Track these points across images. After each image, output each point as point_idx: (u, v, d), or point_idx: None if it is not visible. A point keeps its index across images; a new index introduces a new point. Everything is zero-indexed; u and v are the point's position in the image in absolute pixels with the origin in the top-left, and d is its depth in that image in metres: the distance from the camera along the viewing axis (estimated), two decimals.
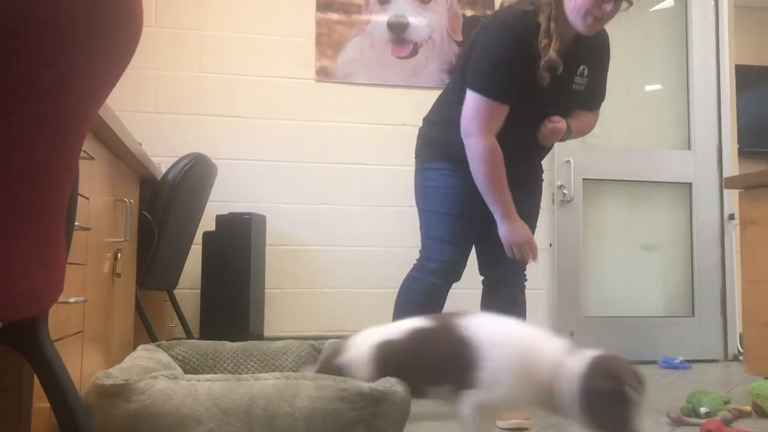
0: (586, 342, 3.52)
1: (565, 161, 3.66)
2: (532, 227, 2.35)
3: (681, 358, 3.55)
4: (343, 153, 3.56)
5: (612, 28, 2.19)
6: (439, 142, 2.28)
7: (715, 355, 3.76)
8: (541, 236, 3.71)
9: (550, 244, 3.69)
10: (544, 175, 3.74)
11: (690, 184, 3.87)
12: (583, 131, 2.35)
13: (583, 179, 3.73)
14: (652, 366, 3.54)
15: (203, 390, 1.16)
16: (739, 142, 4.37)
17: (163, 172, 2.46)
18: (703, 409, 2.25)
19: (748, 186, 2.54)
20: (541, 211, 3.65)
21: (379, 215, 3.56)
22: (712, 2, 3.99)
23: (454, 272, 2.26)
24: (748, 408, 2.33)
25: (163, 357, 1.75)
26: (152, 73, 3.38)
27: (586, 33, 2.06)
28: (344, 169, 3.56)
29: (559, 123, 2.16)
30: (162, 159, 2.97)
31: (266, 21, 3.54)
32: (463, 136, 2.13)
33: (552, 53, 2.04)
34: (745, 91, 4.65)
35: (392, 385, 1.38)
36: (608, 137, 3.87)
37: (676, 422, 2.17)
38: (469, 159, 2.13)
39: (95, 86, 0.96)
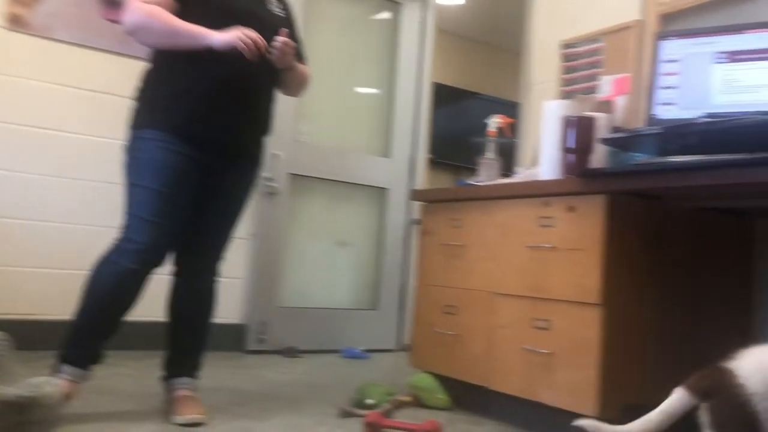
0: (278, 330, 3.67)
1: (274, 154, 3.72)
2: (238, 214, 2.30)
3: (362, 348, 3.85)
4: (32, 115, 3.18)
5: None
6: (155, 107, 2.11)
7: (392, 346, 4.15)
8: (244, 226, 3.73)
9: (253, 234, 3.72)
10: None
11: (385, 190, 4.19)
12: (302, 76, 2.36)
13: (290, 174, 3.83)
14: (334, 355, 3.78)
15: None
16: (433, 153, 4.87)
17: None
18: (369, 401, 2.46)
19: (429, 199, 2.83)
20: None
21: (69, 189, 3.25)
22: (418, 22, 4.36)
23: (155, 257, 2.07)
24: (409, 399, 2.61)
25: None
26: None
27: None
28: (32, 133, 3.18)
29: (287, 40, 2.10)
30: None
31: None
32: (123, 24, 2.09)
33: None
34: (441, 108, 5.21)
35: (41, 389, 1.26)
36: (318, 136, 4.02)
37: (344, 414, 2.34)
38: (133, 30, 2.07)
39: None
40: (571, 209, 2.16)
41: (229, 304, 3.68)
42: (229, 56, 2.02)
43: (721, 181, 1.71)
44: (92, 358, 2.09)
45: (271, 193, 3.75)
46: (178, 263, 2.26)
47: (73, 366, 2.04)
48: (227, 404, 2.38)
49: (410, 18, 4.33)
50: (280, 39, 2.08)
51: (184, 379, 2.24)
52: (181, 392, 2.19)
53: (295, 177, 3.87)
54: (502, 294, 2.40)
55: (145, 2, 2.04)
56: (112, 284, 2.04)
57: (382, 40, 4.31)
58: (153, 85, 2.15)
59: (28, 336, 2.74)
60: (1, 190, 3.11)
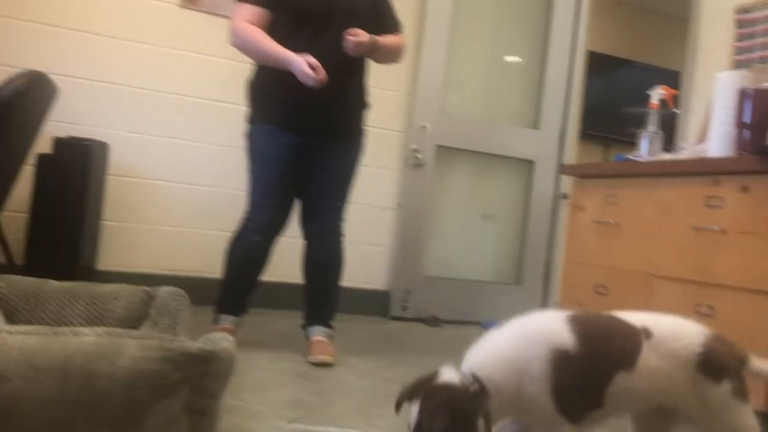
0: (421, 299, 3.72)
1: (421, 126, 3.74)
2: (347, 183, 2.54)
3: (502, 321, 3.81)
4: (201, 87, 3.40)
5: None
6: (260, 103, 2.48)
7: None
8: (390, 196, 3.80)
9: (399, 204, 3.79)
10: (399, 137, 3.83)
11: (533, 162, 4.10)
12: (394, 48, 2.51)
13: (437, 146, 3.84)
14: (474, 326, 3.79)
15: (15, 344, 1.09)
16: (582, 124, 4.68)
17: None
18: None
19: (581, 175, 2.74)
20: (392, 172, 3.77)
21: (228, 157, 3.43)
22: None
23: (274, 229, 2.48)
24: None
25: None
26: None
27: None
28: (200, 104, 3.41)
29: (358, 32, 2.30)
30: None
31: None
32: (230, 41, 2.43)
33: None
34: (592, 76, 4.98)
35: (219, 344, 1.36)
36: (465, 106, 3.99)
37: None
38: (236, 45, 2.42)
39: None
40: (744, 189, 2.01)
41: (374, 270, 3.79)
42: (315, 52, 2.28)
43: None
44: (241, 308, 2.55)
45: (418, 165, 3.78)
46: (307, 229, 2.57)
47: (228, 315, 2.51)
48: (373, 368, 2.47)
49: None
50: (350, 39, 2.28)
51: (318, 328, 2.55)
52: (316, 338, 2.51)
53: (442, 148, 3.87)
54: (660, 276, 2.29)
55: (244, 19, 2.37)
56: (242, 256, 2.50)
57: (534, 5, 4.17)
58: (257, 83, 2.50)
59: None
60: (180, 157, 3.36)
